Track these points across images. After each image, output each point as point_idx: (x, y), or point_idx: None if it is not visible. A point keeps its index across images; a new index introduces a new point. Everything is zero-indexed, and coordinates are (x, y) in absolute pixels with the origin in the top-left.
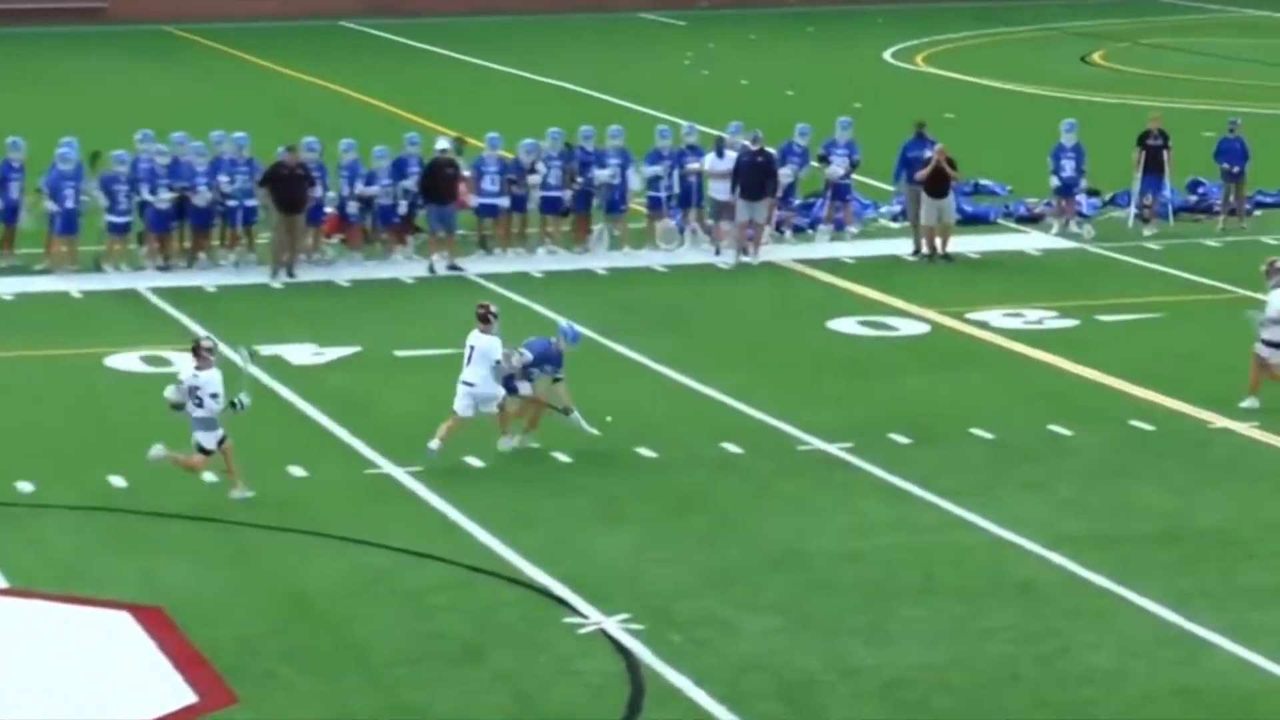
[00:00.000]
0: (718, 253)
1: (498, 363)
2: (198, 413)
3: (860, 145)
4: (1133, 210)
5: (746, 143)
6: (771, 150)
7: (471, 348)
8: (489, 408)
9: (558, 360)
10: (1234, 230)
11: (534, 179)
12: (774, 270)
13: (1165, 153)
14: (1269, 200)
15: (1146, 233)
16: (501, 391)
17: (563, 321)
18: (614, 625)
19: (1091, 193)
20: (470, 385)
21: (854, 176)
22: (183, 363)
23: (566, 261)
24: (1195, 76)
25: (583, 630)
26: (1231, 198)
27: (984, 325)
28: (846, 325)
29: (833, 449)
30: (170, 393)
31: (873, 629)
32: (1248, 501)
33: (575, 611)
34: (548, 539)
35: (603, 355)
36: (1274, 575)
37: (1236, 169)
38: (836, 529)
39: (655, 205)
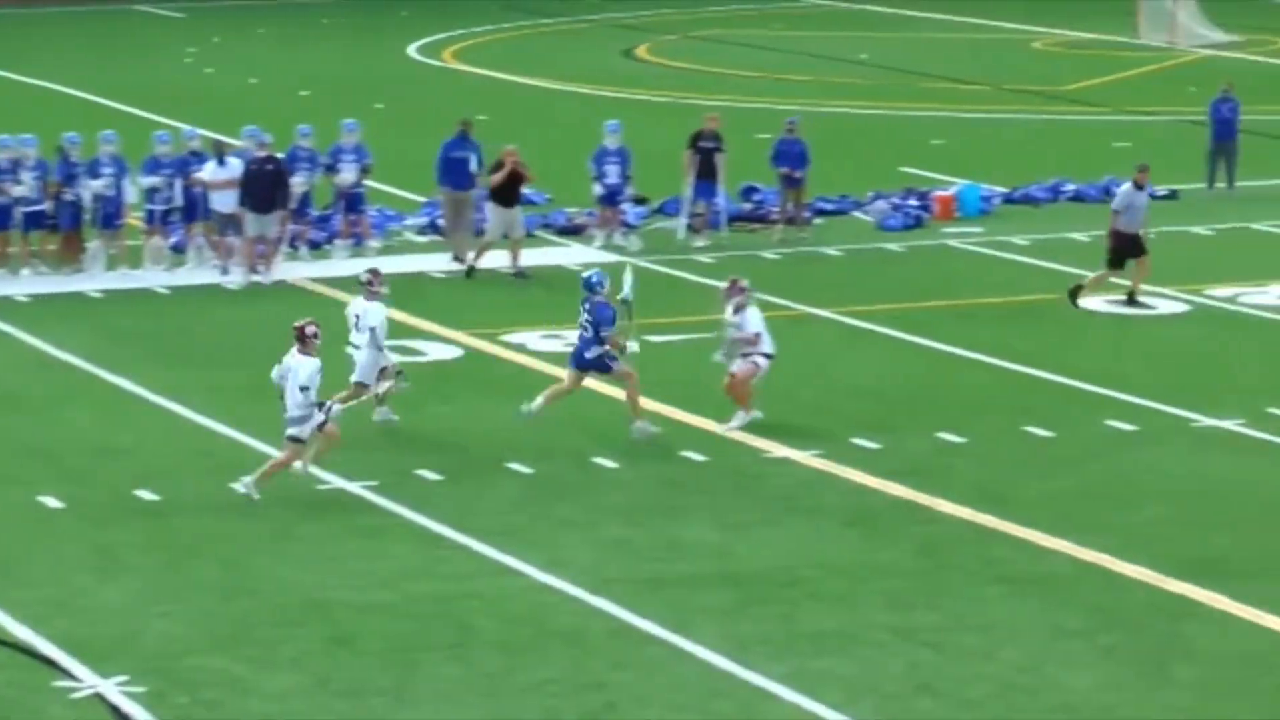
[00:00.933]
0: (225, 272)
1: None
2: (288, 401)
3: (374, 149)
4: (683, 220)
5: (254, 149)
6: (282, 156)
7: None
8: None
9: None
10: (793, 241)
11: (19, 190)
12: (289, 291)
13: (719, 156)
14: (830, 207)
15: (698, 244)
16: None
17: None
18: (112, 688)
19: (638, 201)
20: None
21: (378, 186)
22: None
23: (56, 284)
24: (750, 72)
25: (76, 695)
26: (790, 205)
27: (521, 348)
28: None
29: (355, 488)
30: (275, 374)
31: (401, 687)
32: (809, 538)
33: (68, 674)
34: (35, 594)
35: (97, 389)
36: (836, 619)
37: (797, 173)
38: (361, 577)
39: (153, 219)
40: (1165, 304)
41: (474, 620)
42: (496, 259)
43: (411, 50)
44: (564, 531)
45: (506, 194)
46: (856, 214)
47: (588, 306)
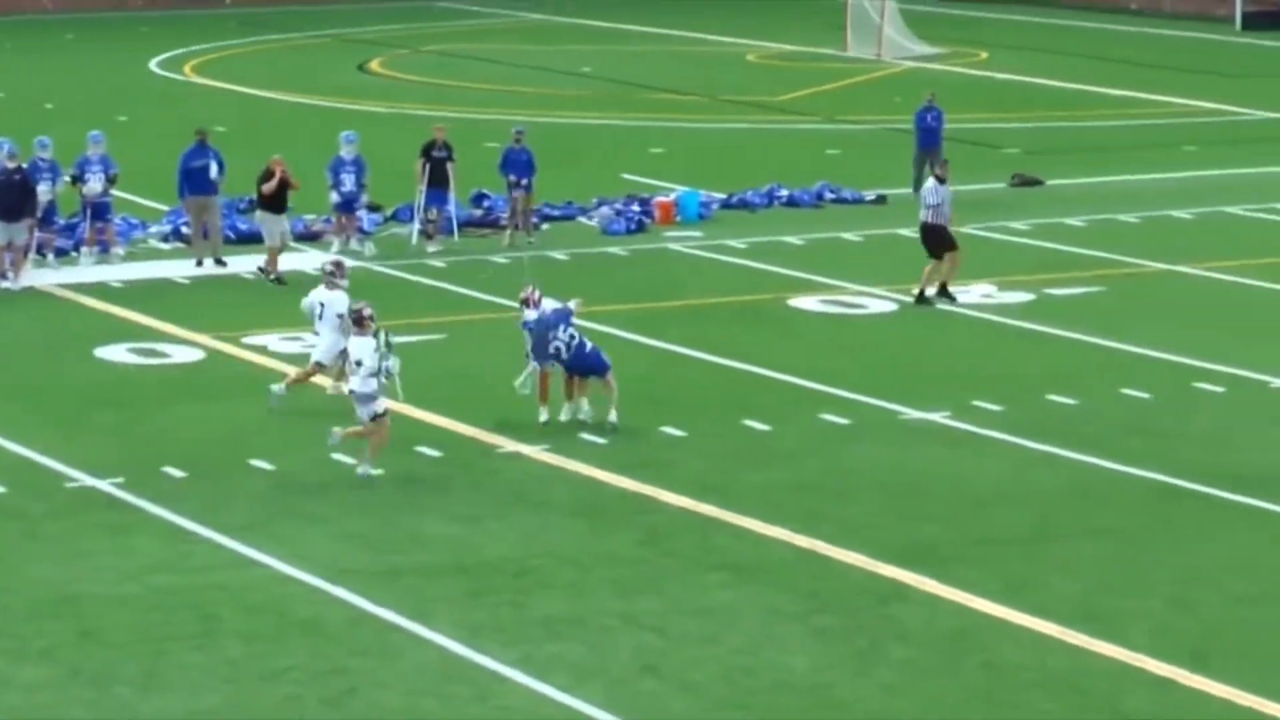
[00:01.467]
0: None
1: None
2: (352, 381)
3: (120, 160)
4: (416, 226)
5: (4, 160)
6: (26, 167)
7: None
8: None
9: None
10: (522, 245)
11: None
12: (37, 296)
13: (449, 165)
14: (556, 213)
15: (430, 249)
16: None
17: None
18: None
19: (373, 208)
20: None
21: (124, 195)
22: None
23: None
24: (477, 84)
25: None
26: (518, 211)
27: (262, 350)
28: (115, 353)
29: (103, 485)
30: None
31: (147, 676)
32: (538, 529)
33: None
34: None
35: None
36: (566, 605)
37: (524, 181)
38: (109, 571)
39: None
40: (874, 303)
41: (218, 611)
42: (236, 264)
43: (153, 65)
44: (305, 525)
45: (277, 201)
46: (582, 219)
47: (570, 331)
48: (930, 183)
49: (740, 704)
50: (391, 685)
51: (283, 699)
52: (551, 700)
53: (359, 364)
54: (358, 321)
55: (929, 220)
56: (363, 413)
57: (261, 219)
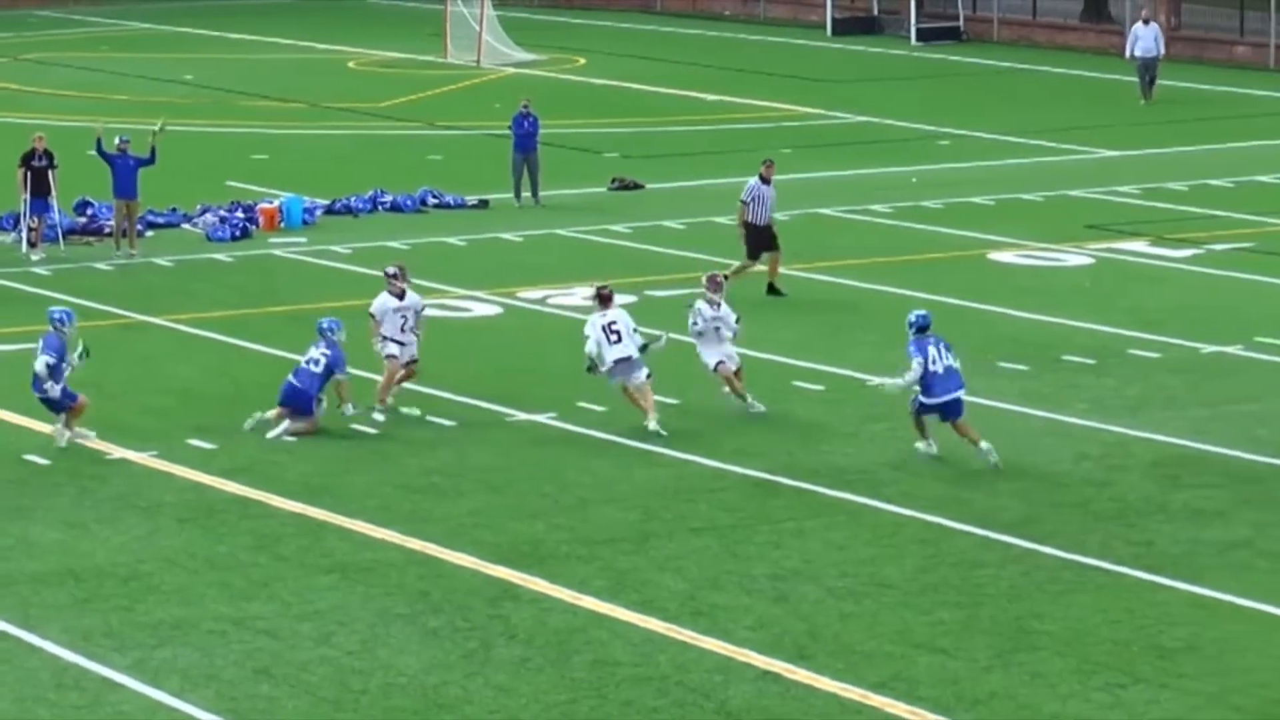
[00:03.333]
0: None
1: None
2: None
3: None
4: (20, 234)
5: None
6: None
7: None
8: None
9: None
10: (126, 253)
11: None
12: None
13: (52, 173)
14: (161, 220)
15: (35, 258)
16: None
17: None
18: None
19: None
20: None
21: None
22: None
23: None
24: (79, 92)
25: None
26: (123, 218)
27: None
28: None
29: None
30: (590, 348)
31: None
32: (147, 534)
33: None
34: None
35: None
36: (176, 610)
37: (129, 189)
38: None
39: None
40: (479, 306)
41: None
42: None
43: None
44: None
45: None
46: (186, 226)
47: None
48: (752, 180)
49: (353, 705)
50: (2, 694)
51: None
52: (165, 705)
53: (636, 330)
54: (605, 300)
55: (747, 219)
56: (636, 377)
57: None
